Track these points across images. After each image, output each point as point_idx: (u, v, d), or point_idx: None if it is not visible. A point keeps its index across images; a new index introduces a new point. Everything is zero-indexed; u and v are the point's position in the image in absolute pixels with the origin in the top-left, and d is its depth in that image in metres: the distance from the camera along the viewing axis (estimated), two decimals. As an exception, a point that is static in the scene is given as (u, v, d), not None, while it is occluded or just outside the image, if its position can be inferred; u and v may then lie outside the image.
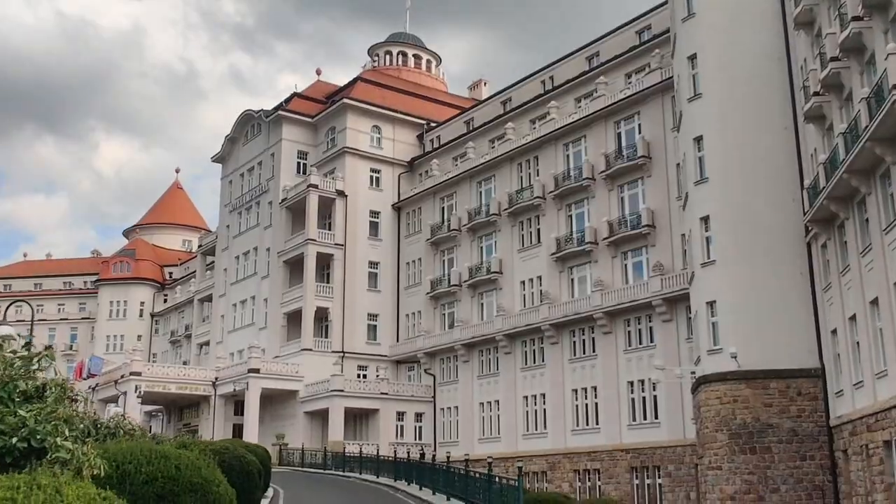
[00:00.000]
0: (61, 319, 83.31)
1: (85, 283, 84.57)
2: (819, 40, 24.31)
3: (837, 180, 20.59)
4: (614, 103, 40.26)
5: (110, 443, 7.25)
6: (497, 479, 18.78)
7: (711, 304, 26.87)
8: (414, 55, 67.47)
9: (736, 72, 27.87)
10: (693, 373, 29.33)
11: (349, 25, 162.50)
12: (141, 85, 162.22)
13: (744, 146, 27.17)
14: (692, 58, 29.21)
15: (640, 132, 39.24)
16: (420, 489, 25.67)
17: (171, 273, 79.52)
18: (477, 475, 20.27)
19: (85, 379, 46.61)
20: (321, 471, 38.56)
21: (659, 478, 34.12)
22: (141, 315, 77.50)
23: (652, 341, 36.37)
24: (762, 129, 27.24)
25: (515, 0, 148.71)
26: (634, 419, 36.23)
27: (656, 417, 35.22)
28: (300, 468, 40.52)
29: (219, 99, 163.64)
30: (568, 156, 43.21)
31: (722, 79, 28.01)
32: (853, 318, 21.73)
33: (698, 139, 28.41)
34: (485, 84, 65.47)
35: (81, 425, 7.17)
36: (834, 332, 23.69)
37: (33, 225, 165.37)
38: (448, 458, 25.05)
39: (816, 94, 23.23)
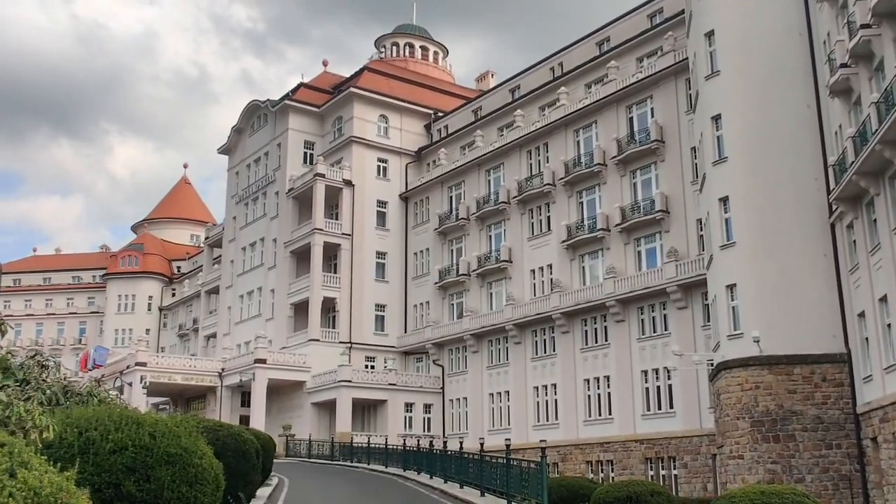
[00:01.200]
0: (70, 314, 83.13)
1: (94, 277, 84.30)
2: (844, 11, 23.29)
3: (869, 152, 19.56)
4: (626, 87, 39.30)
5: (76, 408, 6.48)
6: (517, 461, 17.80)
7: (731, 287, 25.89)
8: (421, 46, 66.69)
9: (755, 47, 26.87)
10: (710, 360, 28.41)
11: (358, 31, 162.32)
12: (154, 88, 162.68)
13: (764, 124, 26.18)
14: (709, 35, 28.20)
15: (652, 116, 38.28)
16: (431, 478, 24.87)
17: (178, 267, 79.10)
18: (494, 460, 19.35)
19: (90, 370, 46.05)
20: (329, 462, 37.86)
21: (674, 469, 33.21)
22: (149, 309, 77.09)
23: (666, 329, 35.46)
24: (783, 106, 26.23)
25: (521, 2, 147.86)
26: (649, 409, 35.33)
27: (671, 407, 34.30)
28: (307, 459, 39.84)
29: (230, 102, 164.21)
30: (578, 142, 42.28)
31: (740, 55, 27.01)
32: (884, 298, 20.72)
33: (716, 118, 27.43)
34: (492, 76, 64.55)
35: (48, 391, 6.36)
36: (861, 314, 22.68)
37: (49, 226, 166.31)
38: (461, 445, 24.19)
39: (844, 65, 22.20)
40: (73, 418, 5.87)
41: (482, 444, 21.70)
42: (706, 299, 31.84)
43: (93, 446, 5.73)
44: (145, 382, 43.63)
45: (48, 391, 6.31)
